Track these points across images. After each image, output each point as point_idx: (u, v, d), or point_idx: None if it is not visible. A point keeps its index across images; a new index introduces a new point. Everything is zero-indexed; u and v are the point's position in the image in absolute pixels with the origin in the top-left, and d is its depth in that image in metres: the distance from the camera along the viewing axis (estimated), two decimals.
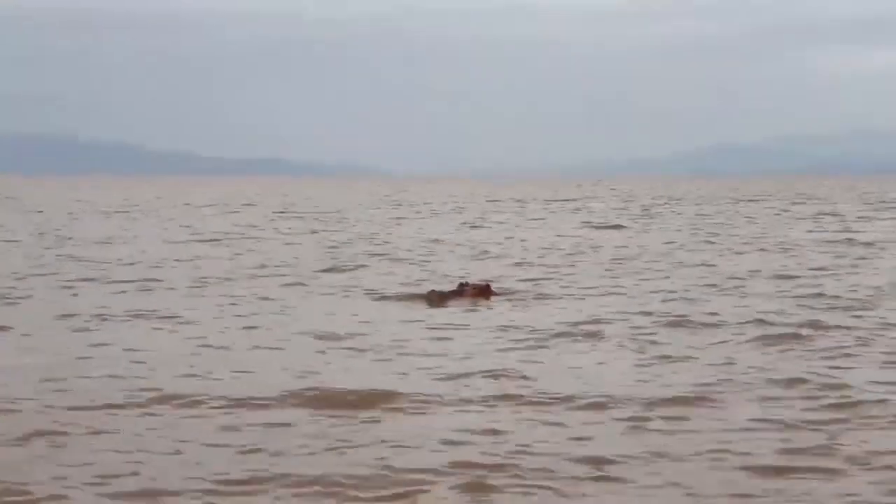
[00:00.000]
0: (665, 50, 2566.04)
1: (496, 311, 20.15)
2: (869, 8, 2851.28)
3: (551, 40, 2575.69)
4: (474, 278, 24.00)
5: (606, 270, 28.20)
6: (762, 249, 34.38)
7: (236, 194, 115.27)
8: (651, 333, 17.17)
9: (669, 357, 15.16)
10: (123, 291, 23.27)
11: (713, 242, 37.84)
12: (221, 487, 9.38)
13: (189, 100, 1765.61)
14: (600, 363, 14.91)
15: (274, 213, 66.36)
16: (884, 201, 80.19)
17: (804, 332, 17.00)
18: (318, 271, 27.83)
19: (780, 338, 16.47)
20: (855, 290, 22.64)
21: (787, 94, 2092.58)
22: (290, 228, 48.64)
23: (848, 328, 17.56)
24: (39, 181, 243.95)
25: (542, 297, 22.41)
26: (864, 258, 31.10)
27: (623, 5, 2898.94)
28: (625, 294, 22.59)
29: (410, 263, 30.25)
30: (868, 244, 35.89)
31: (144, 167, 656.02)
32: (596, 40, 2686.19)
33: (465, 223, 52.69)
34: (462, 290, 21.78)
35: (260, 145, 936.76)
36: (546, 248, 35.51)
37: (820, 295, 21.87)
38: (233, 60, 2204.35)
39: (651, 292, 22.65)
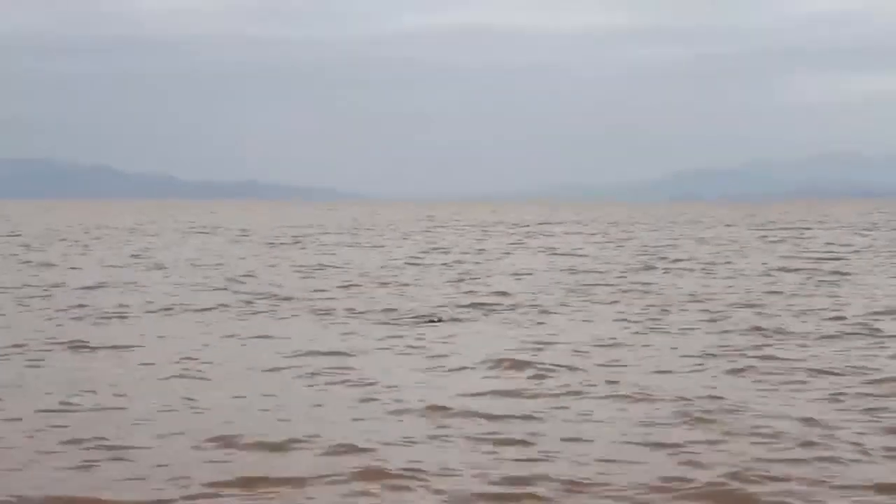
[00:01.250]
0: (644, 75, 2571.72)
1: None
2: (846, 36, 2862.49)
3: (530, 65, 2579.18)
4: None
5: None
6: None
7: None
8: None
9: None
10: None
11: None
12: None
13: (168, 123, 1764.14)
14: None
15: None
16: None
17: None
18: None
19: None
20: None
21: (765, 120, 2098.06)
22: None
23: None
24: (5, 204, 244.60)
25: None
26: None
27: (602, 31, 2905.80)
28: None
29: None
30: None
31: (122, 190, 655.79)
32: (576, 65, 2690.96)
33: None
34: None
35: (238, 169, 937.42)
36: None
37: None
38: (212, 84, 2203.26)
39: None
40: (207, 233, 67.19)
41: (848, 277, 31.77)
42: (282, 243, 54.17)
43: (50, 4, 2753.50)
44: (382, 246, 51.17)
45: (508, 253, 46.11)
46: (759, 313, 23.21)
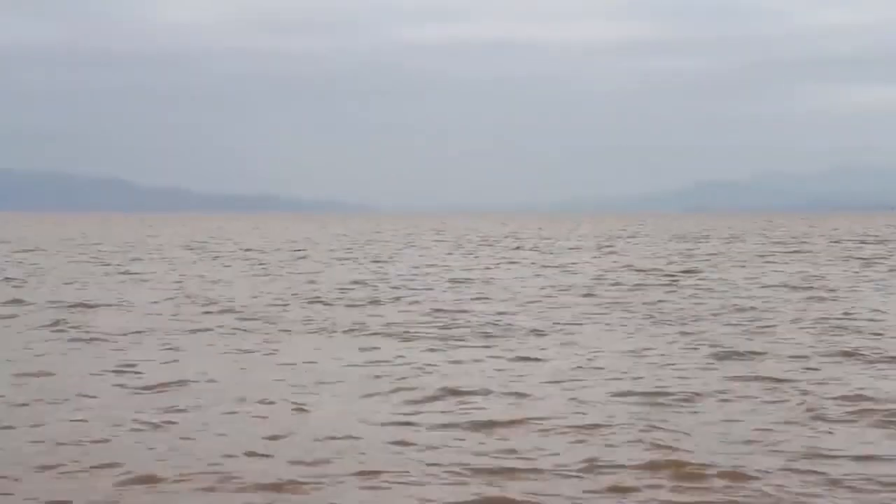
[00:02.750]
0: (654, 87, 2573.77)
1: None
2: (856, 45, 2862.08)
3: (541, 77, 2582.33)
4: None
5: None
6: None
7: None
8: None
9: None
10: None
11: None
12: None
13: (182, 136, 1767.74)
14: None
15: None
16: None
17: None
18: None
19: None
20: None
21: (776, 131, 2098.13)
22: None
23: None
24: (17, 217, 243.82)
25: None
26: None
27: (613, 43, 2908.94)
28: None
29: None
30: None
31: (137, 203, 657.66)
32: (585, 77, 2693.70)
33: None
34: None
35: (252, 182, 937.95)
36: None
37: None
38: (225, 97, 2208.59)
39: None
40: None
41: None
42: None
43: (64, 18, 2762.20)
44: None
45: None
46: None
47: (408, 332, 23.53)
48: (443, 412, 14.83)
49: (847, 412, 14.74)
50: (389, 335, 22.99)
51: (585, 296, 32.31)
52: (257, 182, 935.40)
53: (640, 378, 17.36)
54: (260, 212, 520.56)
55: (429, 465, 12.12)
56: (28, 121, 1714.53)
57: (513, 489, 11.24)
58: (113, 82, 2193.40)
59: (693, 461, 12.19)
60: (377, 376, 17.80)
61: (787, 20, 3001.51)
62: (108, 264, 50.27)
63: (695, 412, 14.82)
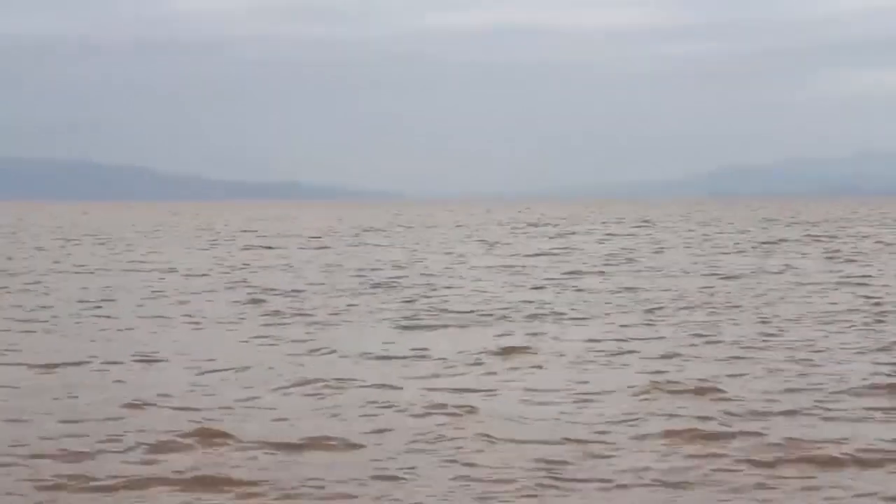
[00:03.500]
0: (676, 72, 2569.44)
1: None
2: (877, 29, 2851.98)
3: (559, 63, 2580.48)
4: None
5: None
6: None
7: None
8: None
9: None
10: None
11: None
12: None
13: (202, 124, 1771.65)
14: None
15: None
16: None
17: None
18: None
19: None
20: None
21: (797, 116, 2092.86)
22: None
23: None
24: (41, 206, 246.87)
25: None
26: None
27: (632, 27, 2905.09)
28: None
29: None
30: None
31: (157, 191, 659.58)
32: (607, 62, 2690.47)
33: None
34: None
35: (275, 169, 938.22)
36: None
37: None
38: (247, 84, 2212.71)
39: None
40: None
41: None
42: None
43: (84, 8, 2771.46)
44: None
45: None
46: None
47: None
48: None
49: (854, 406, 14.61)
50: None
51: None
52: (278, 169, 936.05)
53: (653, 365, 17.22)
54: (281, 199, 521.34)
55: None
56: (48, 110, 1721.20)
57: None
58: (132, 70, 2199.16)
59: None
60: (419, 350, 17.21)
61: (808, 3, 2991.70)
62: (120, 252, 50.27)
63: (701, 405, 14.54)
